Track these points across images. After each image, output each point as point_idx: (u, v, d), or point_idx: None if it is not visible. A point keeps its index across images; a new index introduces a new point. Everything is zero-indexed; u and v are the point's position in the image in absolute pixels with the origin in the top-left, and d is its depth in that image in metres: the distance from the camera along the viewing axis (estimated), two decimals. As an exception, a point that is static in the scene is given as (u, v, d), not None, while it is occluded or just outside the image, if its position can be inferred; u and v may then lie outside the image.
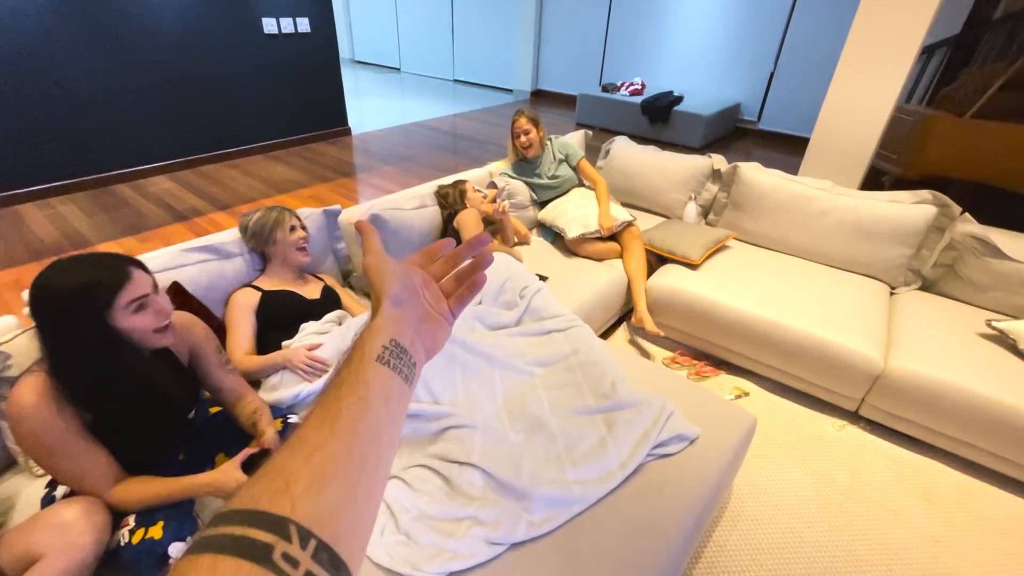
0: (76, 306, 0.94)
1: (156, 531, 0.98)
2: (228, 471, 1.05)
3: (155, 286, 1.04)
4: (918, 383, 1.77)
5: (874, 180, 3.43)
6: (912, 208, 2.20)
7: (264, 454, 1.08)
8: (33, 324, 0.98)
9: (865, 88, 2.88)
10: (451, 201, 2.21)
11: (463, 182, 2.28)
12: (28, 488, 1.23)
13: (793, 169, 2.92)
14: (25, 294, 1.31)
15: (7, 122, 3.39)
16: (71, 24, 3.47)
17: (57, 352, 0.97)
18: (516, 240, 2.38)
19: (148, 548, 0.96)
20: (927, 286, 2.27)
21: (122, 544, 0.98)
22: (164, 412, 1.15)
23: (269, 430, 1.16)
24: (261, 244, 1.64)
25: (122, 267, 0.99)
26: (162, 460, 1.18)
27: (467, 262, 0.47)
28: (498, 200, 2.45)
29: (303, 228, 1.68)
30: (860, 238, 2.28)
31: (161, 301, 1.04)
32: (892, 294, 2.28)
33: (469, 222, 2.11)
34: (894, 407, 1.86)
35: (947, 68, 4.03)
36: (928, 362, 1.79)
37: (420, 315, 0.42)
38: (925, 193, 2.22)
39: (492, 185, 2.49)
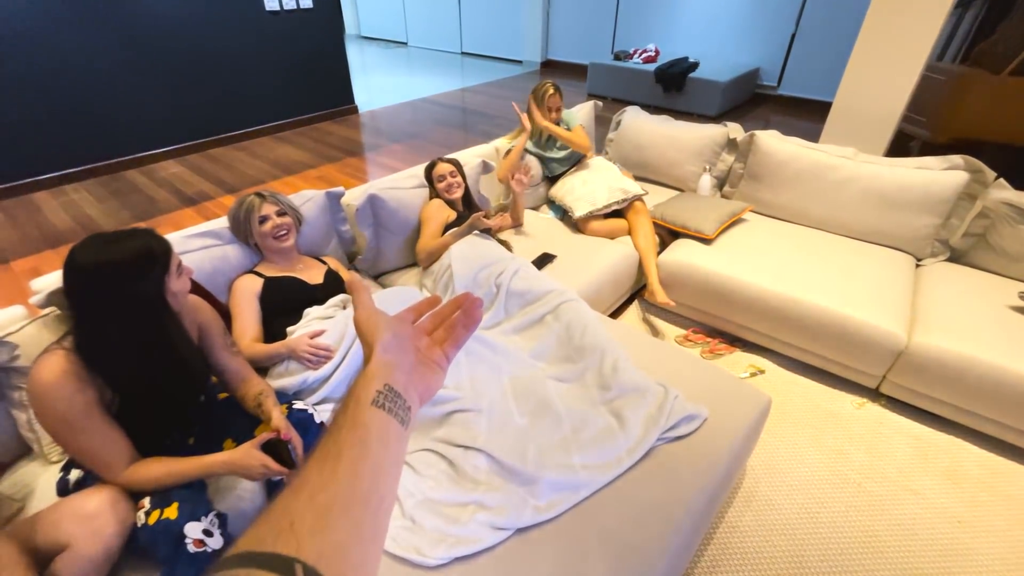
0: (137, 272, 1.00)
1: (171, 512, 1.00)
2: (249, 452, 1.06)
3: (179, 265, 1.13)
4: (943, 359, 1.70)
5: (901, 146, 3.26)
6: (942, 175, 2.08)
7: (278, 442, 1.10)
8: (68, 300, 1.00)
9: (893, 46, 2.70)
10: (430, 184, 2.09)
11: (434, 165, 2.06)
12: (44, 474, 1.26)
13: (814, 136, 2.79)
14: (40, 281, 1.33)
15: (20, 112, 3.41)
16: (77, 13, 3.45)
17: (97, 324, 1.00)
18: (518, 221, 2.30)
19: (164, 528, 0.98)
20: (956, 257, 2.17)
21: (139, 525, 1.00)
22: (184, 385, 1.17)
23: (275, 411, 1.17)
24: (243, 235, 1.60)
25: (160, 235, 1.07)
26: (172, 445, 1.19)
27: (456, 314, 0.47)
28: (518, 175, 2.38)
29: (279, 214, 1.59)
30: (885, 208, 2.17)
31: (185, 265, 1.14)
32: (918, 266, 2.18)
33: (428, 217, 1.94)
34: (917, 384, 1.79)
35: (983, 22, 3.76)
36: (954, 337, 1.72)
37: (412, 361, 0.42)
38: (956, 158, 2.09)
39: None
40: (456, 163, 2.08)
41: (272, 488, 1.22)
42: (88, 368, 0.99)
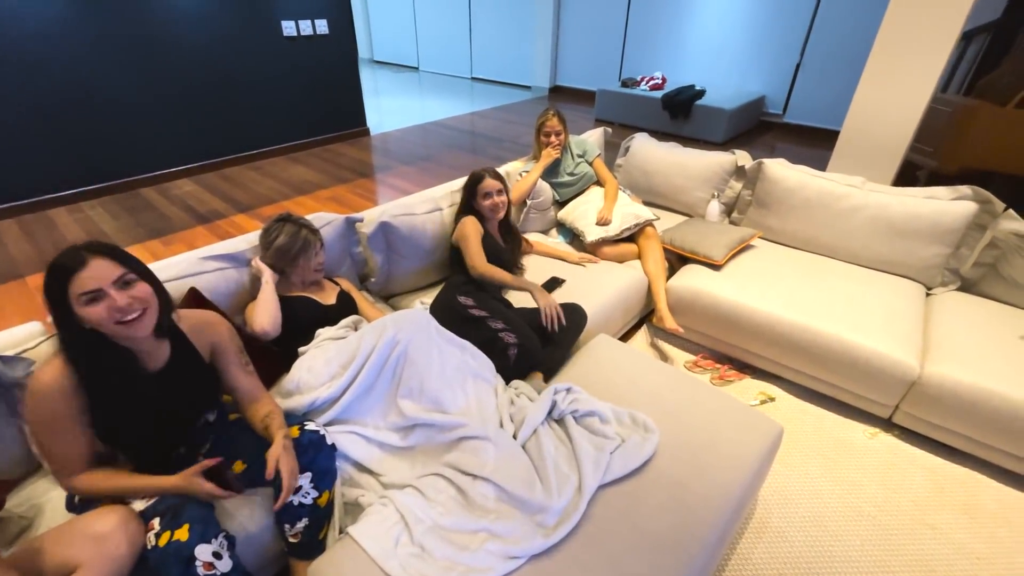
0: (48, 291, 0.96)
1: (182, 533, 0.99)
2: (191, 480, 1.06)
3: (122, 278, 0.98)
4: (957, 390, 1.68)
5: (909, 175, 3.29)
6: (950, 204, 2.09)
7: (221, 467, 1.09)
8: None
9: (900, 77, 2.75)
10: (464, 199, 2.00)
11: (481, 179, 1.91)
12: (53, 491, 1.25)
13: (821, 164, 2.82)
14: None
15: (39, 130, 3.50)
16: (97, 34, 3.56)
17: (63, 332, 1.01)
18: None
19: (176, 550, 0.97)
20: (967, 286, 2.16)
21: (148, 547, 0.99)
22: (169, 409, 1.14)
23: (278, 435, 1.15)
24: (281, 262, 1.61)
25: (78, 254, 0.95)
26: (181, 458, 1.19)
27: None
28: (529, 201, 2.41)
29: (322, 249, 1.67)
30: (894, 236, 2.17)
31: (118, 298, 0.96)
32: (928, 295, 2.17)
33: (467, 234, 1.85)
34: (931, 415, 1.77)
35: (987, 55, 3.83)
36: (968, 367, 1.70)
37: None
38: (965, 188, 2.10)
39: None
40: (503, 179, 1.93)
41: (280, 514, 1.20)
42: (78, 378, 1.01)
